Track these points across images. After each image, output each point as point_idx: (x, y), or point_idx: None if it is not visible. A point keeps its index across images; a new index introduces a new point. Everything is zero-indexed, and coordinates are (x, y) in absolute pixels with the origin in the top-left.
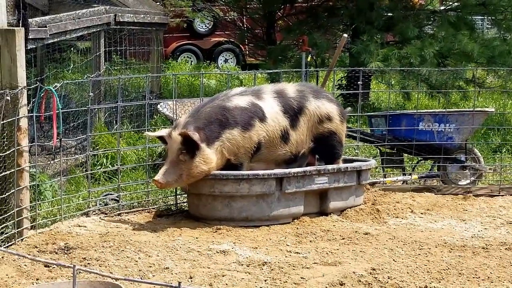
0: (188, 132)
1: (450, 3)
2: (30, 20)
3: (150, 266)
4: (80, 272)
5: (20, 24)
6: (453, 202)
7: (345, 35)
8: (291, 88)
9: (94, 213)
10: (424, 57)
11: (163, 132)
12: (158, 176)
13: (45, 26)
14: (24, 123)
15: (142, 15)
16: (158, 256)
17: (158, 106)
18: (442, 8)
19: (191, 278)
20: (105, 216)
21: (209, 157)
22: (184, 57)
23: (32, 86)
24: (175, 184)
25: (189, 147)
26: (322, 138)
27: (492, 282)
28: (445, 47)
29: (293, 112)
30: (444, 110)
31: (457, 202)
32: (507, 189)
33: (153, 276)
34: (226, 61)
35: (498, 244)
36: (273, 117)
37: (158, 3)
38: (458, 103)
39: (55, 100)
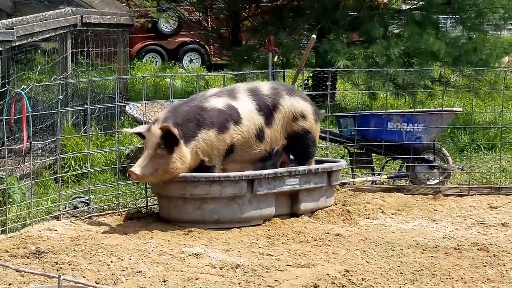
0: (170, 126)
1: (415, 2)
2: None
3: (123, 270)
4: (64, 280)
5: None
6: (423, 202)
7: (314, 35)
8: (265, 86)
9: (64, 216)
10: (390, 57)
11: (140, 128)
12: (135, 168)
13: (12, 28)
14: None
15: (108, 16)
16: (130, 259)
17: (127, 107)
18: (407, 7)
19: (164, 281)
20: (75, 220)
21: (185, 155)
22: (149, 57)
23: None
24: (150, 178)
25: (168, 142)
26: (296, 136)
27: (465, 283)
28: (411, 46)
29: (268, 109)
30: (413, 110)
31: (427, 202)
32: (476, 189)
33: (126, 280)
34: (191, 61)
35: (470, 244)
36: (248, 117)
37: (123, 4)
38: (424, 102)
39: (24, 103)
